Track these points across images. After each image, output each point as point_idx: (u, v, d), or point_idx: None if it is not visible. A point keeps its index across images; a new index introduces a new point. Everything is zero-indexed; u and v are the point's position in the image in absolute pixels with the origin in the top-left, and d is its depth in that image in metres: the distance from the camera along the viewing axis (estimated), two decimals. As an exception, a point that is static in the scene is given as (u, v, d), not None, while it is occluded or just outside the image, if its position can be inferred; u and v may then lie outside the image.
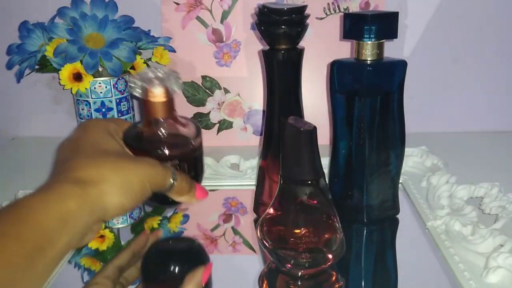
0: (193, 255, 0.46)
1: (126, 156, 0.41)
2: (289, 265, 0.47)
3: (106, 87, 0.76)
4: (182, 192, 0.43)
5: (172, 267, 0.44)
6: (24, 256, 0.30)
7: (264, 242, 0.48)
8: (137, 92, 0.50)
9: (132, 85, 0.50)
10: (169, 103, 0.51)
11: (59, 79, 0.72)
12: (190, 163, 0.54)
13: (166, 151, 0.51)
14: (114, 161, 0.38)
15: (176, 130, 0.54)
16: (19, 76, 0.75)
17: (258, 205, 0.62)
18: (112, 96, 0.77)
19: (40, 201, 0.33)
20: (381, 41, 0.54)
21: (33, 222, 0.31)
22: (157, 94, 0.49)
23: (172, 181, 0.41)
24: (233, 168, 0.75)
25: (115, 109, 0.78)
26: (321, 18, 0.83)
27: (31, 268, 0.31)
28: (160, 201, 0.52)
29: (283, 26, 0.53)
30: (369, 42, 0.53)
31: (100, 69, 0.75)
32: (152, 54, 0.79)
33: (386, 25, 0.53)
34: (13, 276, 0.30)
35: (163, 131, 0.53)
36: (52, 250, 0.32)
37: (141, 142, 0.51)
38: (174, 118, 0.53)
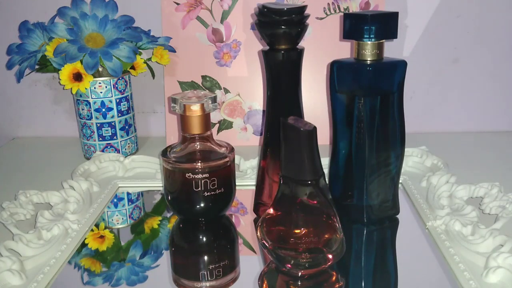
0: None
1: None
2: (289, 265, 0.47)
3: (106, 87, 0.76)
4: None
5: None
6: None
7: (264, 242, 0.48)
8: (176, 109, 0.55)
9: (173, 103, 0.56)
10: (204, 120, 0.56)
11: (59, 79, 0.72)
12: (221, 179, 0.56)
13: (199, 165, 0.55)
14: None
15: (210, 146, 0.57)
16: (19, 76, 0.75)
17: (258, 205, 0.62)
18: (112, 96, 0.77)
19: None
20: (381, 41, 0.54)
21: None
22: (194, 110, 0.55)
23: None
24: (233, 168, 0.75)
25: (115, 109, 0.78)
26: (321, 18, 0.83)
27: None
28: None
29: (283, 26, 0.53)
30: (369, 42, 0.53)
31: (100, 69, 0.75)
32: (152, 54, 0.79)
33: (386, 25, 0.53)
34: None
35: (197, 145, 0.57)
36: None
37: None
38: (208, 135, 0.57)
